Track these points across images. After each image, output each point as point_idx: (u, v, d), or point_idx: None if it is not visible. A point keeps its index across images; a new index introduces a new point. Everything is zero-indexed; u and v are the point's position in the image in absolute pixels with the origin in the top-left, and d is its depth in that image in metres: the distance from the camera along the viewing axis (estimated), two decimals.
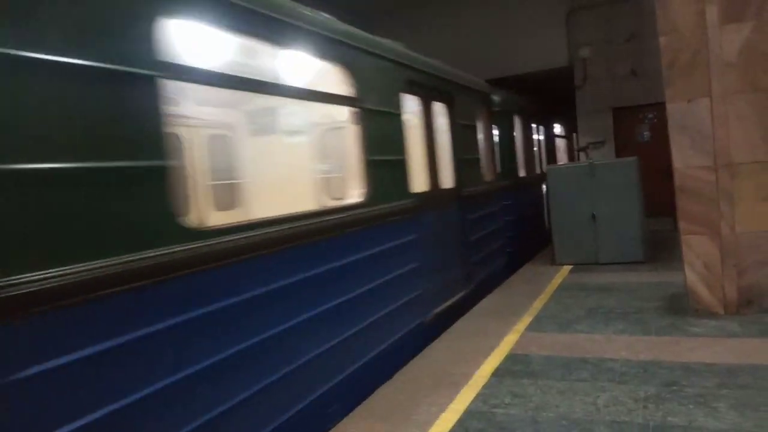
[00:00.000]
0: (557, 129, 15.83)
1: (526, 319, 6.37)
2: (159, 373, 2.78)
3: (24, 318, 2.22)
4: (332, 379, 4.37)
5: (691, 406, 3.86)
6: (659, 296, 6.77)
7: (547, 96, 15.34)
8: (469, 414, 4.11)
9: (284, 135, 6.61)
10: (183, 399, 2.92)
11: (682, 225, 5.94)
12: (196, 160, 6.42)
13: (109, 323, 2.55)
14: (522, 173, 10.94)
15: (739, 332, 5.26)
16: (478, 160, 8.33)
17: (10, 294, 2.17)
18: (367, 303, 4.94)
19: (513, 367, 4.94)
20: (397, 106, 5.83)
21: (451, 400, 4.38)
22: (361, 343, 4.81)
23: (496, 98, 9.89)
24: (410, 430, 4.00)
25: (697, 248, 5.88)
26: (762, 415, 3.65)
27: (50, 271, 2.31)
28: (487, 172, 8.81)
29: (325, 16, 4.91)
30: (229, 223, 3.44)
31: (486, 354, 5.35)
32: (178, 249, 2.92)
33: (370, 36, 5.59)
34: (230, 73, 3.78)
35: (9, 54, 2.27)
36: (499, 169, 9.72)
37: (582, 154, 13.78)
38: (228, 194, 6.72)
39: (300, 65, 4.96)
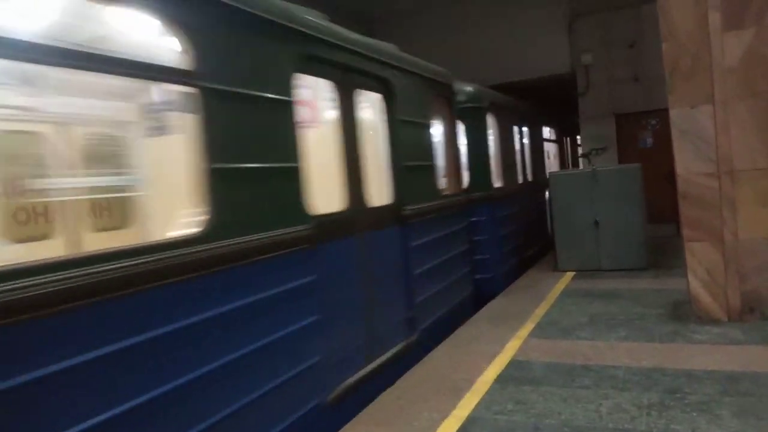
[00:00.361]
0: (546, 132, 14.24)
1: (529, 326, 6.35)
2: None
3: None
4: None
5: (694, 414, 3.85)
6: (662, 303, 6.75)
7: (548, 102, 15.37)
8: (471, 421, 4.09)
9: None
10: None
11: (684, 231, 5.93)
12: None
13: None
14: (499, 183, 9.13)
15: (742, 339, 5.24)
16: (431, 168, 6.52)
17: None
18: (202, 396, 3.10)
19: (515, 374, 4.93)
20: (284, 90, 3.98)
21: (453, 406, 4.37)
22: None
23: (464, 91, 8.52)
24: None
25: (699, 255, 5.86)
26: (765, 423, 3.63)
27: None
28: (448, 183, 7.26)
29: None
30: None
31: (488, 360, 5.34)
32: None
33: None
34: None
35: None
36: (466, 179, 8.30)
37: (584, 160, 13.78)
38: None
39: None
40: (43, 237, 4.34)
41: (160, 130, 4.69)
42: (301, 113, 4.24)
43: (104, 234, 4.69)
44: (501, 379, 4.83)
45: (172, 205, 4.09)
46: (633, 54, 13.09)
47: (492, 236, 8.58)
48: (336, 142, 4.81)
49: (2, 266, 2.24)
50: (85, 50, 2.74)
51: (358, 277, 4.84)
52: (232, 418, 3.26)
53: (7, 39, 2.34)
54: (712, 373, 4.52)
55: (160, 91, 4.51)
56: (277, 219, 3.81)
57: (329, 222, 4.45)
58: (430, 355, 5.69)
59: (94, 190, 4.67)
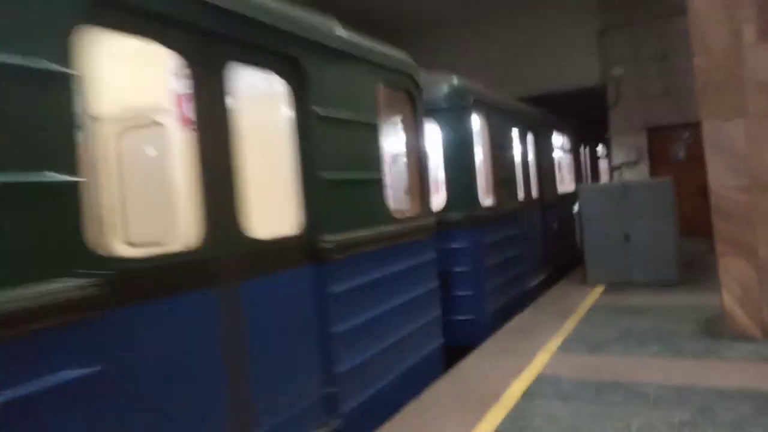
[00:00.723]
0: (560, 140, 12.45)
1: (557, 340, 6.29)
2: None
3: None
4: None
5: None
6: (694, 319, 6.63)
7: (578, 115, 15.25)
8: None
9: None
10: None
11: (718, 246, 5.84)
12: None
13: None
14: (489, 202, 7.60)
15: None
16: (376, 183, 4.79)
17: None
18: None
19: (543, 389, 4.88)
20: (53, 54, 2.35)
21: (479, 420, 4.34)
22: None
23: (440, 85, 6.98)
24: None
25: (733, 270, 5.76)
26: None
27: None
28: (410, 203, 5.80)
29: None
30: None
31: (515, 374, 5.30)
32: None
33: None
34: None
35: None
36: (442, 197, 6.94)
37: (616, 173, 13.66)
38: None
39: None
40: None
41: None
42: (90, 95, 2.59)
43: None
44: (528, 394, 4.79)
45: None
46: (665, 67, 12.96)
47: (476, 267, 6.91)
48: (188, 141, 3.25)
49: None
50: None
51: (216, 355, 3.14)
52: None
53: None
54: (746, 391, 4.42)
55: None
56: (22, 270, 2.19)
57: (152, 269, 2.82)
58: (456, 366, 5.67)
59: None
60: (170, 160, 4.48)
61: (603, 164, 18.39)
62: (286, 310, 3.73)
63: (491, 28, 14.42)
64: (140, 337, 2.68)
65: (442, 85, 6.98)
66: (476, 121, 7.42)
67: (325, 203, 4.02)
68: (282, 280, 3.68)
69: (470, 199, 7.01)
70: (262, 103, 4.16)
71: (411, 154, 5.83)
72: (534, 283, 9.30)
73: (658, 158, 13.41)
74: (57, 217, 2.32)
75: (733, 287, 5.78)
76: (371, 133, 4.80)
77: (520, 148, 9.30)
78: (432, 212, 5.83)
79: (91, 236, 2.43)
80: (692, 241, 11.47)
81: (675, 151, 13.31)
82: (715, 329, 6.07)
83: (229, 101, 3.39)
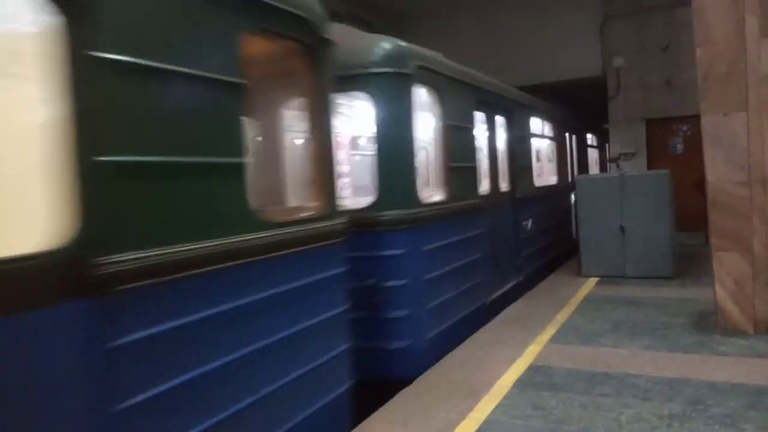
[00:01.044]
0: (540, 126, 10.87)
1: (550, 330, 6.29)
2: None
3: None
4: None
5: (716, 427, 3.77)
6: (687, 312, 6.63)
7: (578, 105, 15.19)
8: (489, 424, 4.06)
9: None
10: None
11: (713, 240, 5.82)
12: None
13: None
14: (440, 196, 6.20)
15: None
16: (231, 171, 3.22)
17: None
18: None
19: (535, 379, 4.88)
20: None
21: (470, 408, 4.34)
22: None
23: (370, 46, 5.50)
24: None
25: (727, 265, 5.75)
26: None
27: None
28: (310, 198, 4.29)
29: None
30: None
31: (507, 364, 5.29)
32: None
33: None
34: None
35: None
36: (370, 190, 5.60)
37: (613, 165, 13.63)
38: None
39: None
40: None
41: None
42: None
43: None
44: (520, 384, 4.79)
45: None
46: (666, 58, 12.89)
47: (414, 280, 5.41)
48: None
49: None
50: None
51: None
52: None
53: None
54: (737, 386, 4.42)
55: None
56: None
57: None
58: (448, 356, 5.67)
59: None
60: None
61: (594, 154, 17.79)
62: (20, 377, 2.14)
63: (493, 18, 14.31)
64: None
65: (376, 46, 5.46)
66: (422, 95, 5.98)
67: (111, 202, 2.46)
68: (17, 327, 2.13)
69: (407, 192, 5.45)
70: None
71: (310, 133, 4.20)
72: (498, 293, 7.68)
73: (656, 150, 13.37)
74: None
75: (726, 281, 5.77)
76: (221, 96, 3.13)
77: (486, 132, 7.95)
78: (339, 211, 4.17)
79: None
80: (687, 234, 11.48)
81: (673, 143, 13.28)
82: (708, 323, 6.07)
83: None
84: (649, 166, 13.09)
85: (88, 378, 2.36)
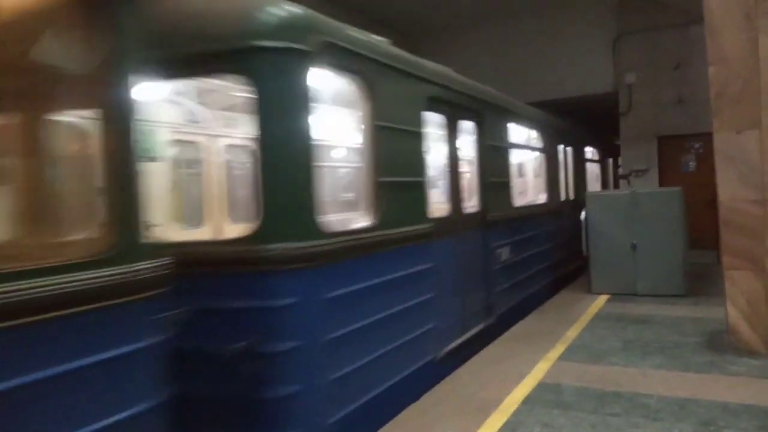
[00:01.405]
0: (522, 135, 9.25)
1: (559, 348, 6.23)
2: None
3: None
4: None
5: None
6: (699, 332, 6.55)
7: (589, 121, 15.14)
8: None
9: None
10: None
11: (725, 259, 5.77)
12: None
13: None
14: (365, 221, 4.72)
15: None
16: None
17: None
18: None
19: (544, 396, 4.83)
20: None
21: (478, 425, 4.30)
22: None
23: (254, 7, 3.90)
24: None
25: (740, 284, 5.69)
26: None
27: None
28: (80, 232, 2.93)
29: None
30: None
31: (515, 381, 5.25)
32: None
33: None
34: None
35: None
36: (258, 210, 3.80)
37: (624, 182, 13.58)
38: None
39: None
40: None
41: None
42: None
43: None
44: (529, 401, 4.74)
45: None
46: (678, 76, 12.86)
47: (310, 341, 3.88)
48: None
49: None
50: None
51: None
52: None
53: None
54: (749, 407, 4.36)
55: None
56: None
57: None
58: (456, 372, 5.62)
59: None
60: None
61: (595, 170, 15.62)
62: None
63: (504, 34, 14.37)
64: None
65: (258, 10, 3.87)
66: (335, 83, 4.74)
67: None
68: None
69: (302, 216, 3.88)
70: None
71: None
72: (457, 342, 6.08)
73: (667, 168, 13.32)
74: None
75: (739, 301, 5.71)
76: None
77: (446, 139, 6.37)
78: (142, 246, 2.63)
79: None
80: (700, 252, 11.38)
81: (686, 161, 13.22)
82: (720, 343, 6.00)
83: None
84: (661, 184, 13.03)
85: None
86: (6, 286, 2.04)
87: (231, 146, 6.34)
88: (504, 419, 4.39)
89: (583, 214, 9.27)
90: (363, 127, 4.75)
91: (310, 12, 4.15)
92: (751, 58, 5.55)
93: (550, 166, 10.38)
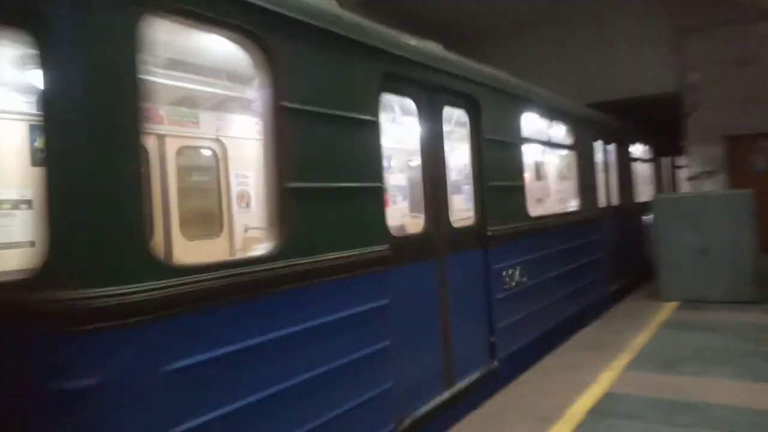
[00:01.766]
0: (540, 129, 7.63)
1: (626, 357, 6.07)
2: None
3: None
4: None
5: None
6: None
7: (652, 123, 14.72)
8: None
9: None
10: None
11: None
12: None
13: None
14: (267, 248, 3.27)
15: None
16: None
17: None
18: None
19: (610, 407, 4.71)
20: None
21: None
22: None
23: None
24: None
25: None
26: None
27: None
28: None
29: None
30: None
31: (579, 390, 5.13)
32: None
33: None
34: None
35: None
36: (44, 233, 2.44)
37: (692, 183, 13.14)
38: None
39: None
40: None
41: None
42: None
43: None
44: (594, 411, 4.63)
45: None
46: (746, 73, 12.37)
47: None
48: None
49: None
50: None
51: None
52: None
53: None
54: None
55: None
56: None
57: None
58: (518, 380, 5.55)
59: None
60: None
61: (646, 171, 13.47)
62: None
63: (562, 36, 14.20)
64: None
65: None
66: (204, 43, 3.71)
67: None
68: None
69: (119, 243, 2.52)
70: None
71: None
72: (430, 405, 4.56)
73: (737, 169, 12.82)
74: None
75: None
76: None
77: (419, 131, 4.96)
78: None
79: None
80: None
81: (756, 161, 12.69)
82: None
83: None
84: (731, 186, 12.56)
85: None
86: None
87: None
88: (568, 430, 4.31)
89: (648, 217, 8.94)
90: (263, 110, 3.35)
91: None
92: None
93: (583, 166, 8.60)
